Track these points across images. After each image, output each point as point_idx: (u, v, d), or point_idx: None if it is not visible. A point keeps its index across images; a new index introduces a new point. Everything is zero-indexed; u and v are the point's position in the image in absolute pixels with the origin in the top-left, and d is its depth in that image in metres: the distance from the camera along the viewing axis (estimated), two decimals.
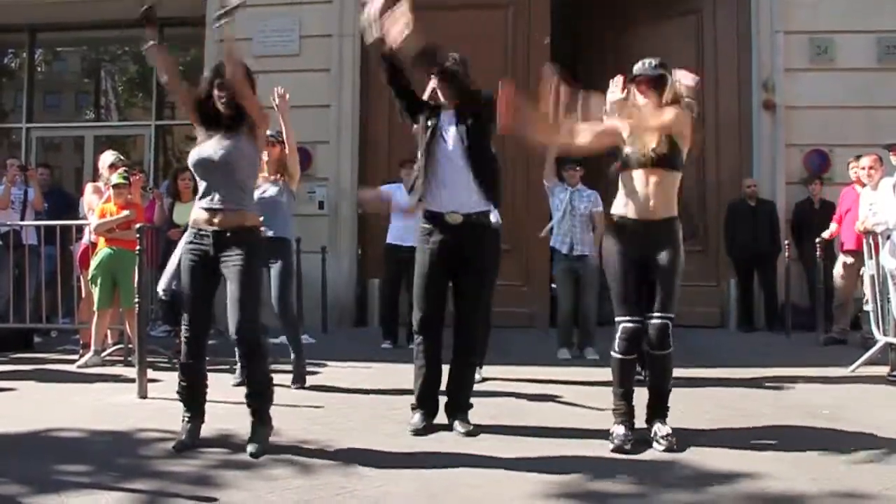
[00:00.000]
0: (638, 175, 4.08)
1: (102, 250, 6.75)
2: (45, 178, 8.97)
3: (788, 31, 9.43)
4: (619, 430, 4.05)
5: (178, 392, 4.09)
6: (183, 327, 4.04)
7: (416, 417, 4.35)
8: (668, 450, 3.91)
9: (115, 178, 6.77)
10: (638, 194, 4.08)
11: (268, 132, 5.70)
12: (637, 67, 4.15)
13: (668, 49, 10.07)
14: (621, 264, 4.11)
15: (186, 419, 4.05)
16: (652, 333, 4.04)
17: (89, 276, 6.81)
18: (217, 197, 3.98)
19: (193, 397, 4.07)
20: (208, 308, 4.19)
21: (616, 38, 10.76)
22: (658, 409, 4.12)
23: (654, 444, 3.99)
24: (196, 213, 4.05)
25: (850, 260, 7.83)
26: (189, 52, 11.76)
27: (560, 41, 10.20)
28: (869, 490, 3.31)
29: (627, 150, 4.11)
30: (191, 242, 4.04)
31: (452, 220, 4.32)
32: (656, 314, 4.04)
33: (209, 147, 4.01)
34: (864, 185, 7.80)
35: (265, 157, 5.72)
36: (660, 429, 4.04)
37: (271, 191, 5.74)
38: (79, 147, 11.84)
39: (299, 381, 5.68)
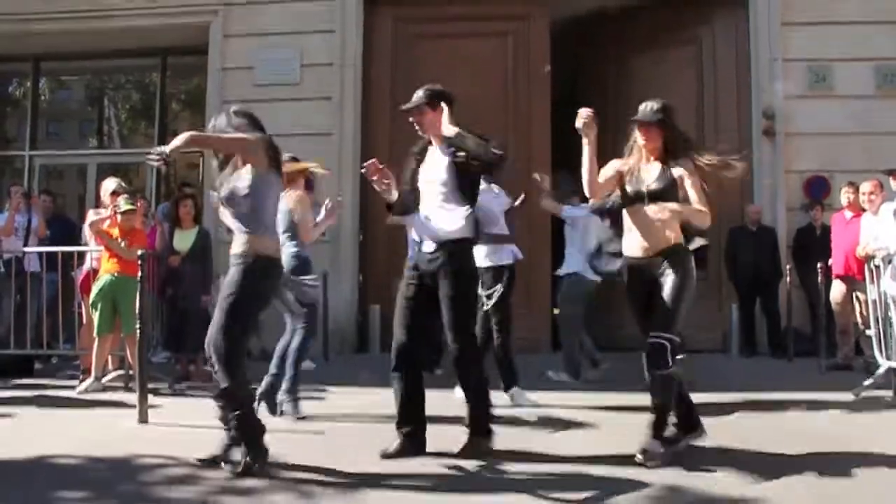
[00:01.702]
0: (637, 211, 4.26)
1: (103, 276, 6.76)
2: (47, 206, 9.01)
3: (787, 58, 9.52)
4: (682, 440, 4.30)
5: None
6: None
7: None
8: (641, 464, 4.00)
9: (123, 205, 6.79)
10: (638, 231, 4.28)
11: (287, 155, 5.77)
12: (640, 110, 4.33)
13: (668, 77, 10.17)
14: (634, 300, 4.36)
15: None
16: (647, 353, 4.15)
17: (90, 302, 6.82)
18: None
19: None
20: None
21: (616, 67, 10.85)
22: (656, 427, 4.17)
23: (638, 457, 4.06)
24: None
25: (840, 284, 7.85)
26: (192, 80, 11.86)
27: (560, 69, 10.28)
28: None
29: (628, 188, 4.28)
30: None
31: None
32: (651, 335, 4.15)
33: None
34: (854, 211, 7.84)
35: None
36: (650, 444, 4.11)
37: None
38: (82, 175, 11.89)
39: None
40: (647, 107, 4.32)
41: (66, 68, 12.41)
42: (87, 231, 7.32)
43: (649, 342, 4.13)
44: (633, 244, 4.33)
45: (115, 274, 6.71)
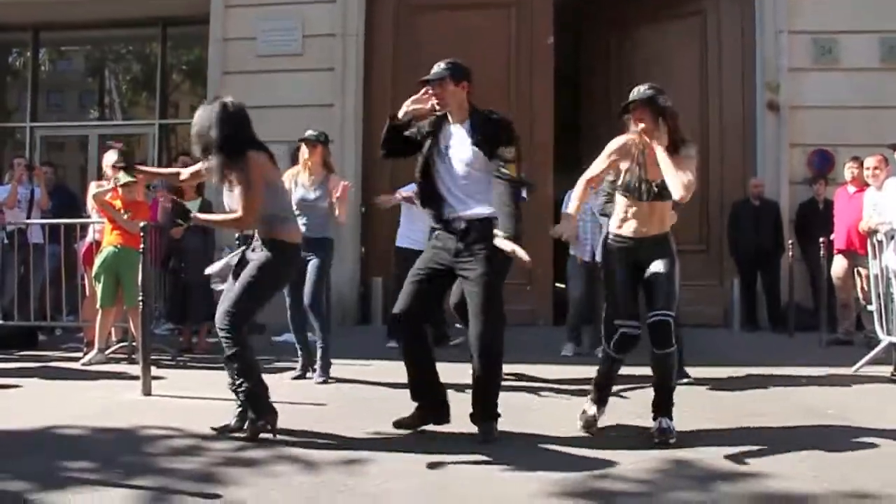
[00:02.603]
0: (634, 205, 4.22)
1: (106, 248, 6.76)
2: (48, 177, 8.99)
3: (793, 31, 9.44)
4: (592, 409, 4.31)
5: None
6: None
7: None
8: (662, 444, 4.01)
9: (123, 177, 6.78)
10: (635, 219, 4.24)
11: (309, 132, 5.93)
12: (632, 95, 4.22)
13: (672, 50, 10.11)
14: (620, 279, 4.28)
15: (238, 404, 4.18)
16: (653, 332, 4.11)
17: (93, 275, 6.83)
18: None
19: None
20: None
21: (619, 39, 10.78)
22: (664, 406, 4.16)
23: (656, 439, 4.05)
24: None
25: (842, 259, 7.85)
26: (193, 51, 11.79)
27: (563, 41, 10.21)
28: (872, 489, 3.31)
29: (628, 177, 4.21)
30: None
31: None
32: (657, 312, 4.11)
33: None
34: (857, 186, 7.83)
35: (306, 154, 5.94)
36: (664, 423, 4.10)
37: (311, 194, 5.88)
38: (83, 146, 11.87)
39: (324, 375, 5.87)
40: (639, 90, 4.21)
41: (66, 38, 12.33)
42: (89, 203, 7.31)
43: (656, 320, 4.09)
44: (626, 227, 4.27)
45: (118, 246, 6.70)
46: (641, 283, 4.26)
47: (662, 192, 4.13)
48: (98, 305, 6.72)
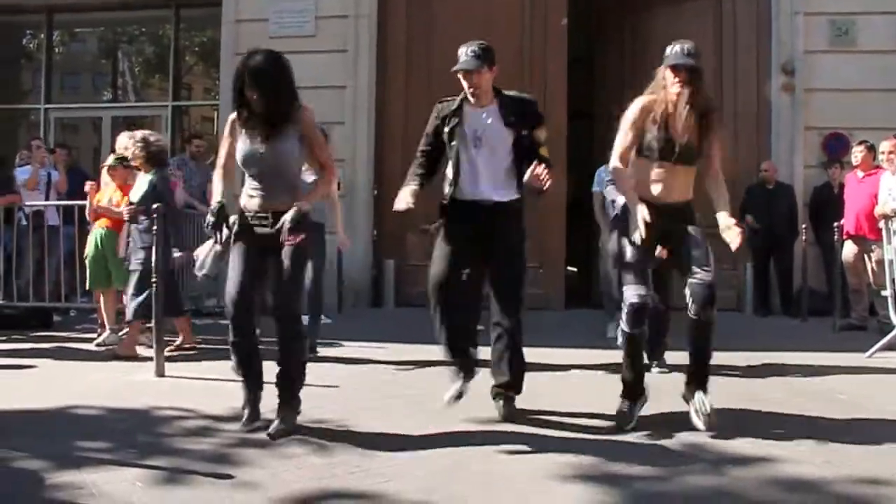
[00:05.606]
0: (656, 166, 4.02)
1: (94, 231, 6.75)
2: (63, 159, 9.04)
3: (808, 12, 9.34)
4: (625, 406, 4.09)
5: (232, 368, 4.04)
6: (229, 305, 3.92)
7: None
8: (708, 428, 3.90)
9: (110, 160, 6.75)
10: (653, 183, 4.03)
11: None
12: (672, 53, 4.01)
13: (687, 32, 9.91)
14: (641, 250, 4.00)
15: (247, 391, 4.02)
16: (698, 292, 3.84)
17: (85, 256, 6.83)
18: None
19: (249, 372, 4.02)
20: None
21: (633, 21, 10.68)
22: (699, 378, 4.04)
23: (694, 419, 3.98)
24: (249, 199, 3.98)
25: (852, 245, 7.80)
26: (206, 32, 11.78)
27: (576, 23, 10.13)
28: (885, 475, 3.31)
29: (649, 136, 4.00)
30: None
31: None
32: (698, 271, 3.86)
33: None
34: (865, 170, 7.78)
35: None
36: (703, 402, 3.98)
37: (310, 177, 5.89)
38: (96, 128, 11.90)
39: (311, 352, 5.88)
40: (681, 48, 3.97)
41: (80, 20, 12.32)
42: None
43: (704, 280, 3.82)
44: (650, 190, 4.02)
45: (104, 228, 6.68)
46: (674, 252, 4.02)
47: (687, 155, 3.95)
48: (87, 287, 6.72)
